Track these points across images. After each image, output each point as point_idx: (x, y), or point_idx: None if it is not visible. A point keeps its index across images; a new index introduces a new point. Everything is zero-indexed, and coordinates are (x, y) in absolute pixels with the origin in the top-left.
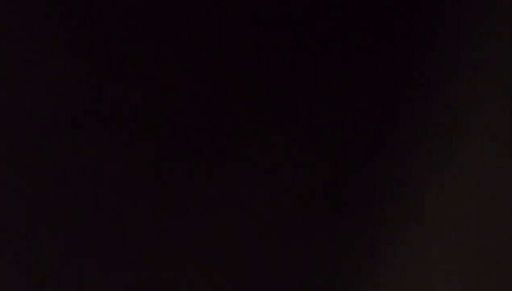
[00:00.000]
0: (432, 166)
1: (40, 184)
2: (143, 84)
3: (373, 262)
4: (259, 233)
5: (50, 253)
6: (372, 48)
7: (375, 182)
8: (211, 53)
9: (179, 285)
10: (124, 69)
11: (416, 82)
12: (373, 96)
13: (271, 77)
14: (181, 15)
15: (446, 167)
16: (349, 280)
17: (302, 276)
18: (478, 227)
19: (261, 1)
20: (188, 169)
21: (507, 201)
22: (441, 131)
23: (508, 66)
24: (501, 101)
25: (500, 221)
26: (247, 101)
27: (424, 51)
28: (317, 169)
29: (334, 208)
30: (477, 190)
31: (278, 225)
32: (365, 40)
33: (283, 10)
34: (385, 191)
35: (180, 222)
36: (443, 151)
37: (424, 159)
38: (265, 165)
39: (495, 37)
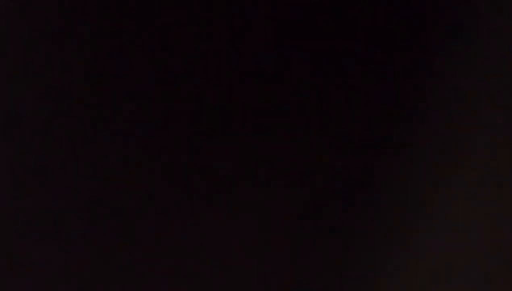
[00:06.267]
0: (434, 167)
1: (41, 185)
2: (145, 86)
3: (375, 265)
4: (260, 236)
5: (51, 253)
6: (372, 54)
7: (377, 185)
8: (215, 55)
9: (181, 286)
10: (125, 71)
11: (417, 85)
12: (374, 100)
13: (271, 80)
14: (182, 15)
15: (448, 169)
16: (350, 284)
17: (302, 279)
18: (480, 229)
19: (266, 1)
20: (189, 173)
21: (509, 202)
22: (443, 133)
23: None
24: (505, 102)
25: (503, 223)
26: (247, 104)
27: (426, 55)
28: (319, 172)
29: (335, 212)
30: (479, 191)
31: (279, 227)
32: (366, 45)
33: (286, 10)
34: (387, 194)
35: (180, 225)
36: (444, 153)
37: (425, 161)
38: (265, 168)
39: (497, 37)
